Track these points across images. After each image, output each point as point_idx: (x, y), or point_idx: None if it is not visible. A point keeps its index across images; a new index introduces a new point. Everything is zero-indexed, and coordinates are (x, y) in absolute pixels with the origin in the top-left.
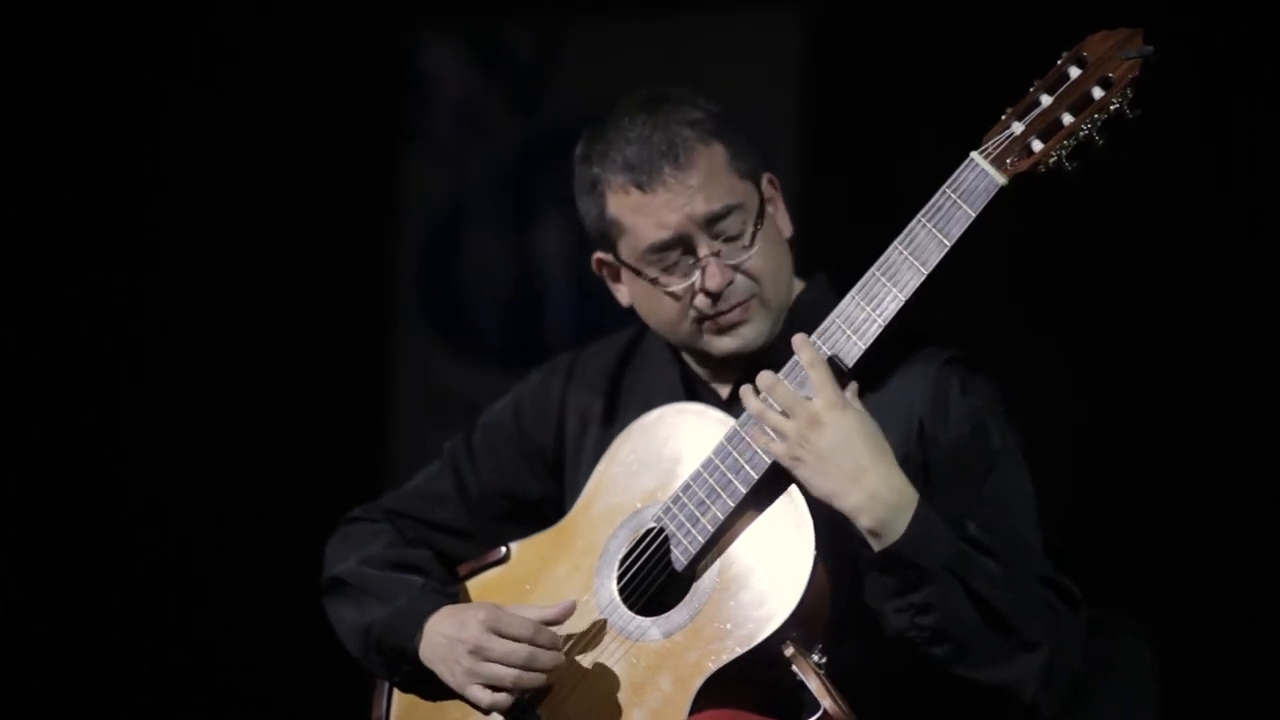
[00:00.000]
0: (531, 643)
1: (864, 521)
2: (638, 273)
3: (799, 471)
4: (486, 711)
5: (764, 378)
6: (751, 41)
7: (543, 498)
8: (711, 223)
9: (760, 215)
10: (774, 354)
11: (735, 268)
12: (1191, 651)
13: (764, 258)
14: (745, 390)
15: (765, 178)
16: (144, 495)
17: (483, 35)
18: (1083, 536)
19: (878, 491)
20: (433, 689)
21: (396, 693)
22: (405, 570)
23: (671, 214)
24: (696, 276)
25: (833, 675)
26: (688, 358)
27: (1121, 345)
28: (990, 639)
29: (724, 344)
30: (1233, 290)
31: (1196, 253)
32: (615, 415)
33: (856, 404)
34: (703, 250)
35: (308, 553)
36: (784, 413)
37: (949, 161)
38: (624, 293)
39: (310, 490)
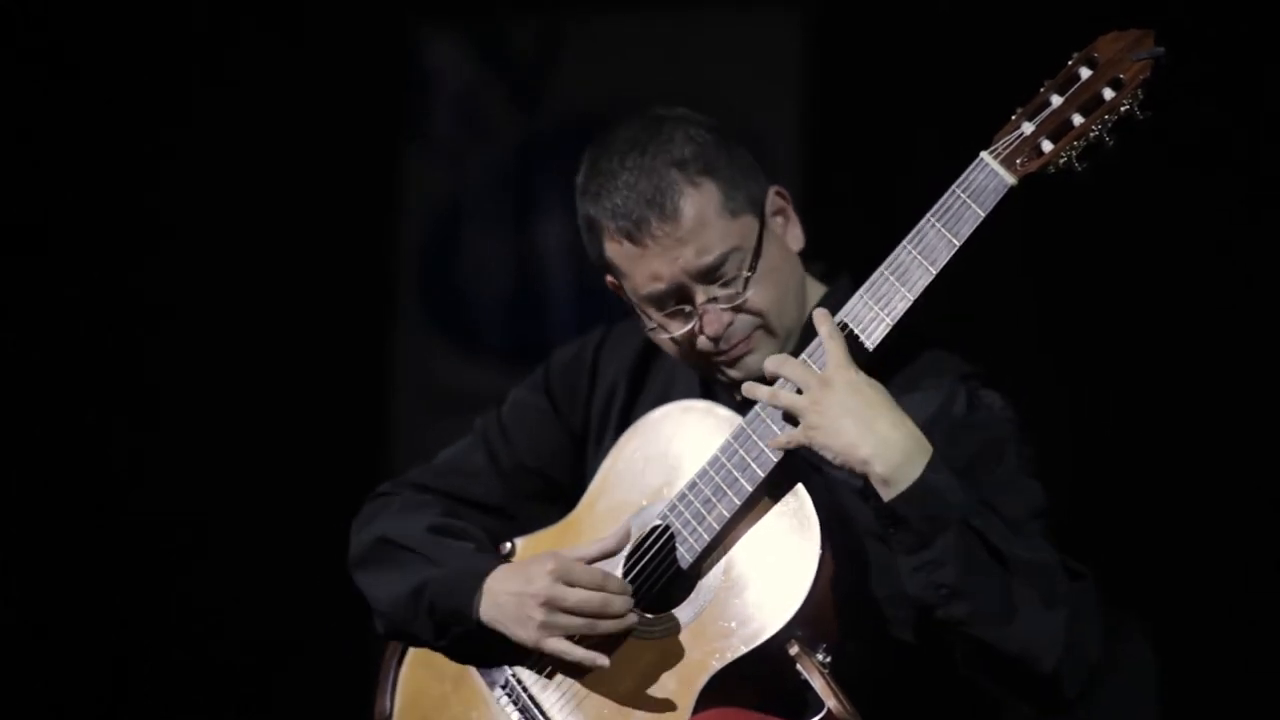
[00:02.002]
0: (603, 589)
1: (877, 469)
2: (641, 314)
3: (816, 439)
4: (553, 665)
5: (771, 360)
6: (752, 40)
7: (572, 477)
8: (706, 272)
9: (757, 252)
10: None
11: (735, 309)
12: (1192, 653)
13: (765, 291)
14: (749, 386)
15: (772, 191)
16: (144, 495)
17: (483, 34)
18: (1084, 538)
19: (888, 436)
20: (478, 652)
21: (400, 688)
22: (455, 537)
23: (664, 266)
24: (695, 322)
25: (837, 675)
26: None
27: (1122, 347)
28: (1009, 596)
29: (732, 375)
30: (1233, 292)
31: (1200, 255)
32: (637, 401)
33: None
34: (699, 298)
35: (309, 552)
36: (797, 390)
37: (949, 161)
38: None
39: (311, 490)
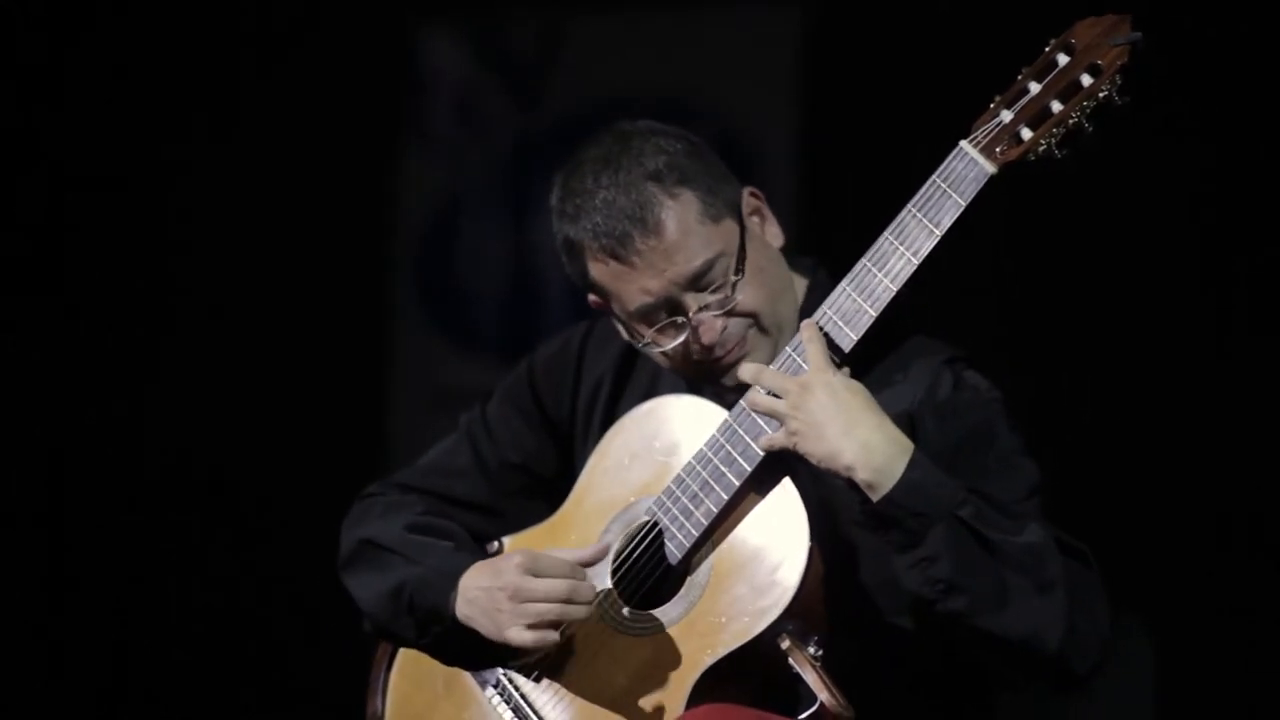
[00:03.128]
0: (569, 576)
1: (860, 474)
2: (631, 332)
3: (800, 445)
4: (528, 654)
5: (746, 368)
6: (751, 40)
7: (558, 472)
8: (695, 280)
9: (741, 255)
10: None
11: (727, 314)
12: (1191, 650)
13: (754, 292)
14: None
15: (746, 193)
16: (142, 494)
17: (483, 33)
18: (1080, 535)
19: (869, 440)
20: (460, 651)
21: (391, 689)
22: (435, 535)
23: (652, 280)
24: (689, 333)
25: (829, 667)
26: None
27: (1118, 344)
28: (1005, 583)
29: (728, 380)
30: (1232, 289)
31: (1191, 246)
32: (622, 395)
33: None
34: (691, 308)
35: (307, 551)
36: (778, 396)
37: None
38: (624, 330)
39: (310, 488)
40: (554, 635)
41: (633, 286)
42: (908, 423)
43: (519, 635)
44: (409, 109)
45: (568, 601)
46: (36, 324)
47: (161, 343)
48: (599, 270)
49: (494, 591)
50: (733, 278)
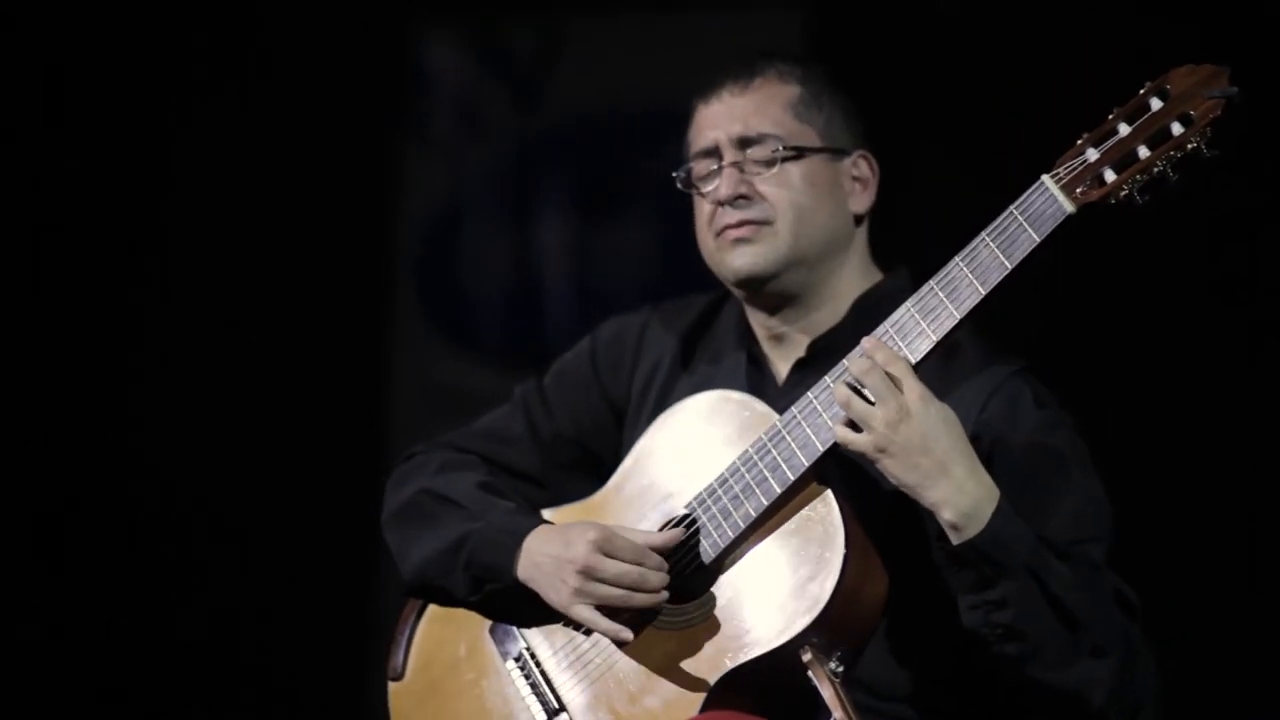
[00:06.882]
0: (641, 563)
1: (947, 514)
2: (691, 185)
3: (885, 465)
4: (587, 633)
5: (858, 363)
6: (752, 42)
7: (609, 449)
8: (743, 143)
9: (799, 156)
10: (837, 336)
11: (752, 185)
12: (1193, 652)
13: (788, 191)
14: (838, 389)
15: (857, 153)
16: (141, 494)
17: (484, 34)
18: None
19: (963, 484)
20: (509, 609)
21: (414, 648)
22: (495, 494)
23: (714, 129)
24: (714, 180)
25: (848, 684)
26: (756, 329)
27: (1118, 344)
28: (1063, 641)
29: (731, 259)
30: (1233, 294)
31: (1205, 261)
32: (678, 382)
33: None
34: (726, 159)
35: (306, 550)
36: (872, 401)
37: (950, 162)
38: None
39: (309, 488)
40: (626, 633)
41: (699, 131)
42: (982, 435)
43: (586, 614)
44: (409, 110)
45: (634, 589)
46: (35, 324)
47: (162, 342)
48: (694, 122)
49: (562, 563)
50: (779, 155)
